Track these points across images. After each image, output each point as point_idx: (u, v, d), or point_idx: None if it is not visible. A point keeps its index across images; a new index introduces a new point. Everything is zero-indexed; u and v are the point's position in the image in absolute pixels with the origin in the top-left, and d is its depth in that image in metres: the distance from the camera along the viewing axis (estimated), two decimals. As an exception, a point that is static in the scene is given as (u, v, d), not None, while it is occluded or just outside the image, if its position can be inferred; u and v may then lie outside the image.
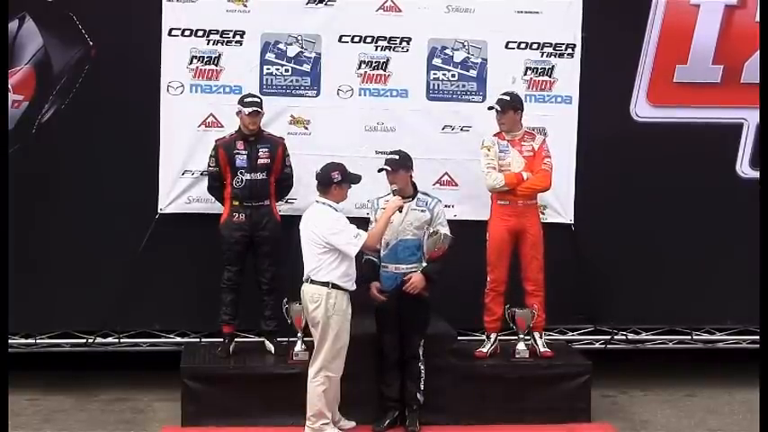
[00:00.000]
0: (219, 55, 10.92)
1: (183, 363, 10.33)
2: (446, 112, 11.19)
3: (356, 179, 9.74)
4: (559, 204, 11.22)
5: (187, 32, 10.88)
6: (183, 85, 10.93)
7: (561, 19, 11.20)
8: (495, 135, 10.60)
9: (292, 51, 11.01)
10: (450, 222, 10.19)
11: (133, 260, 10.83)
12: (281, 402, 9.95)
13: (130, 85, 10.79)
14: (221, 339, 10.57)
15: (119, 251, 10.86)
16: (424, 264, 9.90)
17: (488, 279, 10.55)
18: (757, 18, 11.29)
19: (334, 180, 9.62)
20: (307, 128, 11.06)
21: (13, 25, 10.73)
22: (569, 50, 11.21)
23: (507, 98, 10.55)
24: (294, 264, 9.86)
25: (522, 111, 10.60)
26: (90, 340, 11.08)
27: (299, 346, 10.29)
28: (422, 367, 10.00)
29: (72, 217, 10.88)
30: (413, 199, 9.98)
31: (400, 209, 9.80)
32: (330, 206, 9.60)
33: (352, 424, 9.93)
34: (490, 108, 10.55)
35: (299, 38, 11.00)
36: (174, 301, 10.98)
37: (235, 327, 10.59)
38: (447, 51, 11.17)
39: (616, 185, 11.30)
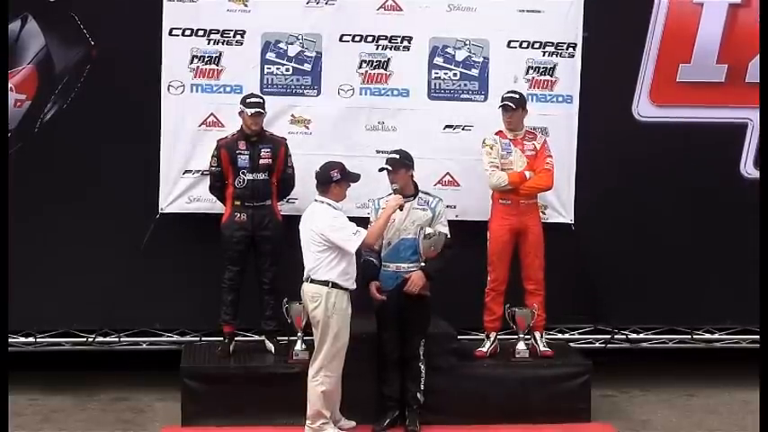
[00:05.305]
0: (220, 54, 10.91)
1: (183, 362, 10.34)
2: (447, 111, 11.15)
3: (355, 178, 9.74)
4: (560, 204, 11.18)
5: (188, 32, 10.86)
6: (183, 85, 10.91)
7: (563, 18, 11.16)
8: (496, 133, 10.60)
9: (293, 51, 10.99)
10: (452, 222, 10.20)
11: (133, 260, 10.82)
12: (281, 402, 9.94)
13: (131, 85, 10.79)
14: (221, 339, 10.58)
15: (119, 251, 10.85)
16: (423, 263, 9.90)
17: (489, 278, 10.56)
18: (761, 17, 11.28)
19: (334, 179, 9.61)
20: (307, 127, 11.04)
21: (15, 25, 10.76)
22: (571, 50, 11.16)
23: (517, 97, 10.57)
24: (294, 263, 9.86)
25: (526, 110, 10.61)
26: (90, 339, 11.09)
27: (299, 346, 10.30)
28: (422, 367, 10.00)
29: (73, 216, 10.88)
30: (414, 198, 9.97)
31: (401, 207, 9.79)
32: (329, 204, 9.60)
33: (352, 424, 9.93)
34: (500, 106, 10.54)
35: (300, 37, 10.98)
36: (174, 300, 10.97)
37: (235, 326, 10.60)
38: (448, 50, 11.14)
39: (617, 185, 11.27)
